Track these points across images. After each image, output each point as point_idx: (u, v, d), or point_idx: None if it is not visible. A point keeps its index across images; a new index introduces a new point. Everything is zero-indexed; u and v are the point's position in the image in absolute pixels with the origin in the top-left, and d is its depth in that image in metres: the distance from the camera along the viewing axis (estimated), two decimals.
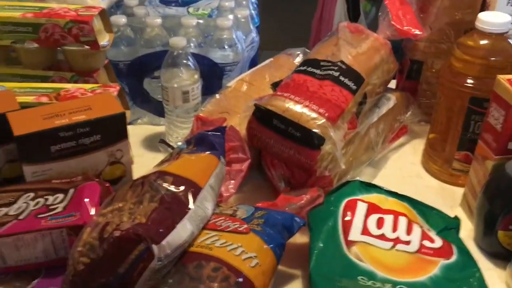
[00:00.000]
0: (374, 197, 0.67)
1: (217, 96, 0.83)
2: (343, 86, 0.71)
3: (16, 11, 0.76)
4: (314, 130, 0.66)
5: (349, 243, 0.61)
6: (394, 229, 0.62)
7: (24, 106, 0.67)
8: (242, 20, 0.96)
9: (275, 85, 0.83)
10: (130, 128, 0.67)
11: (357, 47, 0.77)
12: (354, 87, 0.72)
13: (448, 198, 0.77)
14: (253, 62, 1.01)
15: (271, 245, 0.55)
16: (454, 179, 0.79)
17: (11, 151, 0.64)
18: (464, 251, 0.61)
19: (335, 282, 0.57)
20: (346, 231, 0.62)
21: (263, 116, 0.70)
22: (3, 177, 0.67)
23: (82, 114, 0.63)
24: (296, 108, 0.68)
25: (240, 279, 0.50)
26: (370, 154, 0.81)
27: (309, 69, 0.74)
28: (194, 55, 0.83)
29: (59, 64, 0.83)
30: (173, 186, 0.54)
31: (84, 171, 0.64)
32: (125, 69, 0.90)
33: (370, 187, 0.69)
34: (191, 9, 0.99)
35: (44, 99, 0.71)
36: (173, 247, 0.49)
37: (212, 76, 0.90)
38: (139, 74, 0.90)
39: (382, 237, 0.61)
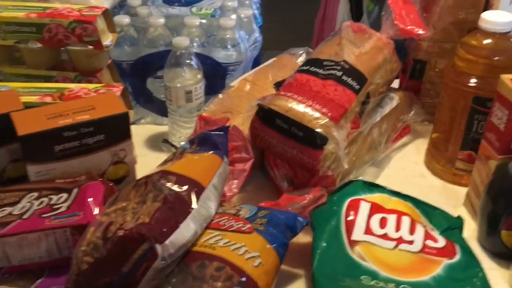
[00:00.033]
0: (377, 197, 0.67)
1: (220, 95, 0.83)
2: (346, 86, 0.71)
3: (20, 11, 0.77)
4: (317, 129, 0.66)
5: (352, 243, 0.61)
6: (397, 228, 0.62)
7: (28, 106, 0.67)
8: (245, 19, 0.96)
9: (278, 85, 0.83)
10: (133, 128, 0.67)
11: (360, 47, 0.77)
12: (357, 87, 0.72)
13: (451, 198, 0.77)
14: (256, 62, 1.01)
15: (274, 245, 0.55)
16: (457, 178, 0.79)
17: (15, 151, 0.64)
18: (467, 251, 0.61)
19: (338, 281, 0.57)
20: (349, 231, 0.62)
21: (266, 116, 0.70)
22: (7, 176, 0.67)
23: (85, 114, 0.63)
24: (299, 108, 0.68)
25: (243, 279, 0.50)
26: (373, 153, 0.81)
27: (312, 68, 0.74)
28: (197, 55, 0.83)
29: (62, 64, 0.84)
30: (176, 185, 0.54)
31: (88, 171, 0.64)
32: (128, 69, 0.90)
33: (373, 187, 0.69)
34: (194, 9, 0.99)
35: (47, 99, 0.71)
36: (177, 247, 0.50)
37: (215, 76, 0.90)
38: (142, 74, 0.91)
39: (385, 236, 0.61)
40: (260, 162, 0.76)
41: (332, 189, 0.68)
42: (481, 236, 0.68)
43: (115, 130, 0.65)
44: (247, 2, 1.04)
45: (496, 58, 0.72)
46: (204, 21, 0.92)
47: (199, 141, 0.64)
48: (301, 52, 0.93)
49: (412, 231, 0.62)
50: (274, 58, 0.94)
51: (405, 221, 0.63)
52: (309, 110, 0.68)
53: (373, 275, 0.57)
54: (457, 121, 0.76)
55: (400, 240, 0.61)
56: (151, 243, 0.47)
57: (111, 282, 0.48)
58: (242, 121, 0.74)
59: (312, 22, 2.24)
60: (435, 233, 0.63)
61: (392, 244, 0.61)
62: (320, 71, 0.73)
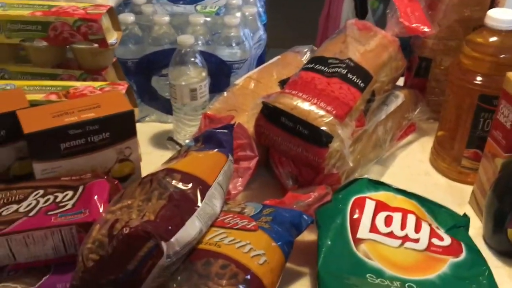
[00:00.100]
0: (382, 195, 0.67)
1: (225, 93, 0.83)
2: (351, 84, 0.71)
3: (25, 9, 0.77)
4: (322, 127, 0.66)
5: (358, 241, 0.60)
6: (403, 227, 0.62)
7: (34, 104, 0.68)
8: (250, 17, 0.96)
9: (282, 83, 0.83)
10: (138, 125, 0.67)
11: (365, 45, 0.77)
12: (362, 85, 0.72)
13: (457, 196, 0.76)
14: (261, 60, 1.01)
15: (279, 243, 0.55)
16: (463, 177, 0.79)
17: (21, 149, 0.65)
18: (473, 249, 0.61)
19: (343, 280, 0.56)
20: (354, 229, 0.62)
21: (271, 114, 0.70)
22: (13, 174, 0.67)
23: (91, 112, 0.64)
24: (304, 106, 0.68)
25: (248, 276, 0.50)
26: (378, 151, 0.81)
27: (317, 66, 0.74)
28: (202, 53, 0.83)
29: (68, 62, 0.84)
30: (182, 183, 0.54)
31: (93, 169, 0.64)
32: (133, 67, 0.90)
33: (378, 185, 0.69)
34: (198, 7, 0.99)
35: (53, 97, 0.71)
36: (182, 244, 0.50)
37: (220, 74, 0.90)
38: (147, 72, 0.91)
39: (390, 235, 0.61)
40: (265, 160, 0.76)
41: (337, 187, 0.68)
42: (486, 234, 0.68)
43: (121, 128, 0.66)
44: (251, 0, 1.04)
45: (502, 55, 0.71)
46: (208, 19, 0.92)
47: (204, 139, 0.64)
48: (305, 50, 0.93)
49: (417, 229, 0.62)
50: (279, 56, 0.94)
51: (411, 219, 0.63)
52: (314, 108, 0.67)
53: (379, 274, 0.57)
54: (463, 119, 0.76)
55: (405, 238, 0.61)
56: (157, 240, 0.47)
57: (117, 280, 0.48)
58: (247, 119, 0.74)
59: (316, 20, 2.24)
60: (441, 231, 0.63)
61: (397, 242, 0.60)
62: (325, 69, 0.73)
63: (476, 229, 0.69)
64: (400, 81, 0.89)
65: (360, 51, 0.75)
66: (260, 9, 1.05)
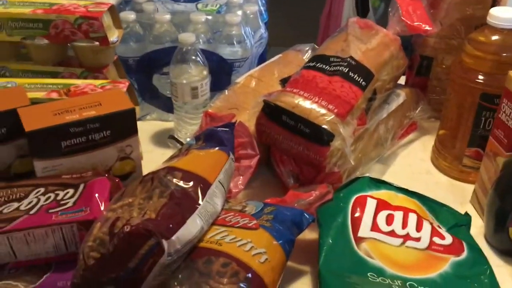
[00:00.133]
0: (383, 194, 0.67)
1: (226, 92, 0.83)
2: (352, 82, 0.71)
3: (26, 7, 0.77)
4: (324, 126, 0.66)
5: (359, 240, 0.60)
6: (404, 225, 0.62)
7: (35, 101, 0.67)
8: (251, 16, 0.96)
9: (284, 81, 0.83)
10: (139, 124, 0.67)
11: (367, 43, 0.77)
12: (364, 83, 0.72)
13: (458, 195, 0.76)
14: (262, 58, 1.00)
15: (281, 241, 0.55)
16: (464, 175, 0.79)
17: (22, 147, 0.64)
18: (474, 248, 0.61)
19: (345, 278, 0.56)
20: (356, 228, 0.62)
21: (272, 112, 0.70)
22: (14, 172, 0.67)
23: (92, 110, 0.63)
24: (306, 104, 0.68)
25: (250, 275, 0.50)
26: (379, 150, 0.80)
27: (319, 65, 0.73)
28: (203, 51, 0.83)
29: (69, 60, 0.84)
30: (183, 181, 0.54)
31: (94, 167, 0.64)
32: (134, 65, 0.90)
33: (380, 184, 0.69)
34: (200, 5, 0.99)
35: (54, 95, 0.71)
36: (183, 243, 0.50)
37: (221, 72, 0.90)
38: (148, 70, 0.91)
39: (391, 233, 0.61)
40: (266, 159, 0.76)
41: (338, 186, 0.68)
42: (488, 233, 0.68)
43: (122, 126, 0.65)
44: None
45: (504, 54, 0.71)
46: (210, 17, 0.92)
47: (205, 137, 0.64)
48: (307, 49, 0.93)
49: (419, 228, 0.62)
50: (280, 55, 0.93)
51: (412, 218, 0.63)
52: (315, 107, 0.67)
53: (380, 272, 0.57)
54: (464, 117, 0.76)
55: (407, 237, 0.61)
56: (158, 238, 0.47)
57: (118, 278, 0.48)
58: (248, 118, 0.73)
59: (317, 19, 2.24)
60: (442, 230, 0.63)
61: (398, 241, 0.60)
62: (327, 67, 0.73)
63: (478, 228, 0.69)
64: (402, 80, 0.89)
65: (361, 50, 0.75)
66: (261, 7, 1.04)
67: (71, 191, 0.59)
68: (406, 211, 0.64)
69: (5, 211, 0.56)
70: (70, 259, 0.53)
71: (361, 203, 0.65)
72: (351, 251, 0.59)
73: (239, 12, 0.94)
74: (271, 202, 0.63)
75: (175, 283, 0.49)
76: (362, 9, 2.08)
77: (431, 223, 0.63)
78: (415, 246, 0.60)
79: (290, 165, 0.72)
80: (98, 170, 0.64)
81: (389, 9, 0.82)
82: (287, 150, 0.71)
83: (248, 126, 0.71)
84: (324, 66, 0.73)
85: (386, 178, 0.75)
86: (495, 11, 0.71)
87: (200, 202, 0.54)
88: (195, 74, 0.80)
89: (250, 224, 0.56)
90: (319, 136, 0.66)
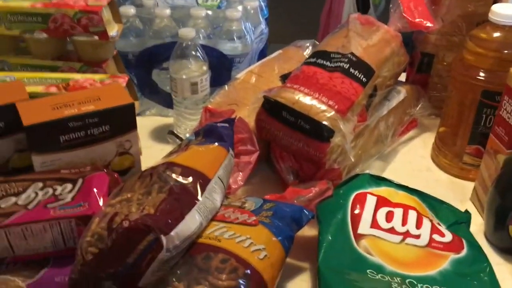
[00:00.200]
0: (383, 191, 0.66)
1: (226, 87, 0.82)
2: (353, 79, 0.71)
3: (26, 1, 0.76)
4: (324, 122, 0.66)
5: (358, 237, 0.60)
6: (404, 222, 0.62)
7: (33, 96, 0.67)
8: (251, 11, 0.96)
9: (284, 77, 0.82)
10: (138, 119, 0.67)
11: (368, 39, 0.77)
12: (364, 80, 0.72)
13: (458, 192, 0.76)
14: (262, 54, 1.00)
15: (280, 238, 0.55)
16: (464, 173, 0.79)
17: (21, 141, 0.64)
18: (474, 246, 0.61)
19: (344, 275, 0.56)
20: (355, 224, 0.61)
21: (272, 108, 0.69)
22: (12, 166, 0.67)
23: (91, 104, 0.63)
24: (306, 100, 0.67)
25: (248, 271, 0.50)
26: (379, 147, 0.80)
27: (319, 61, 0.73)
28: (203, 47, 0.82)
29: (68, 55, 0.83)
30: (182, 177, 0.54)
31: (93, 162, 0.64)
32: (134, 60, 0.90)
33: (380, 180, 0.68)
34: (200, 0, 0.98)
35: (53, 89, 0.71)
36: (182, 238, 0.49)
37: (221, 68, 0.90)
38: (147, 65, 0.90)
39: (391, 230, 0.61)
40: (265, 155, 0.75)
41: (338, 182, 0.68)
42: (488, 231, 0.68)
43: (121, 121, 0.65)
44: None
45: (506, 51, 0.71)
46: (210, 12, 0.91)
47: (204, 133, 0.64)
48: (307, 45, 0.93)
49: (418, 225, 0.62)
50: (280, 51, 0.93)
51: (412, 215, 0.63)
52: (316, 103, 0.67)
53: (379, 269, 0.57)
54: (465, 115, 0.76)
55: (406, 234, 0.60)
56: (157, 234, 0.47)
57: (116, 273, 0.48)
58: (247, 113, 0.73)
59: (318, 16, 2.23)
60: (442, 228, 0.63)
61: (398, 238, 0.60)
62: (327, 63, 0.72)
63: (478, 226, 0.69)
64: (402, 77, 0.88)
65: (362, 46, 0.75)
66: (262, 3, 1.04)
67: (69, 186, 0.58)
68: (406, 208, 0.63)
69: (2, 205, 0.56)
70: (68, 254, 0.53)
71: (361, 200, 0.64)
72: (350, 248, 0.59)
73: (240, 8, 0.93)
74: (271, 198, 0.63)
75: (174, 279, 0.49)
76: (362, 6, 2.08)
77: (431, 221, 0.63)
78: (414, 243, 0.60)
79: (290, 161, 0.72)
80: (97, 165, 0.63)
81: (390, 6, 0.82)
82: (287, 146, 0.71)
83: (248, 122, 0.70)
84: (324, 62, 0.73)
85: (386, 175, 0.75)
86: (496, 8, 0.70)
87: (199, 197, 0.53)
88: (195, 70, 0.80)
89: (249, 220, 0.56)
90: (319, 133, 0.66)
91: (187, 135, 0.75)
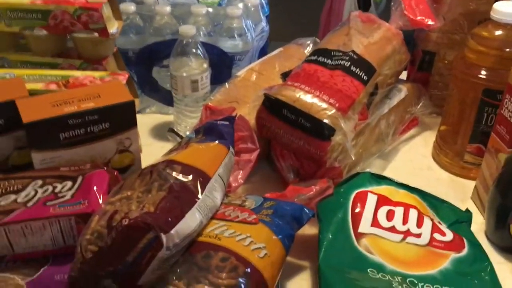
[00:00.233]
0: (384, 189, 0.66)
1: (226, 85, 0.82)
2: (354, 77, 0.71)
3: None
4: (325, 120, 0.65)
5: (359, 235, 0.60)
6: (405, 221, 0.61)
7: (33, 93, 0.67)
8: (252, 9, 0.95)
9: (284, 75, 0.82)
10: (138, 117, 0.67)
11: (369, 37, 0.76)
12: (366, 78, 0.71)
13: (459, 191, 0.76)
14: (263, 52, 1.00)
15: (280, 236, 0.54)
16: (465, 172, 0.78)
17: (20, 138, 0.64)
18: (475, 245, 0.61)
19: (344, 274, 0.56)
20: (356, 223, 0.61)
21: (273, 106, 0.69)
22: (12, 164, 0.66)
23: (91, 101, 0.63)
24: (307, 98, 0.67)
25: (249, 270, 0.49)
26: (380, 145, 0.80)
27: (320, 59, 0.73)
28: (204, 44, 0.82)
29: (68, 52, 0.83)
30: (182, 175, 0.54)
31: (93, 159, 0.64)
32: (134, 58, 0.90)
33: (381, 179, 0.68)
34: None
35: (53, 87, 0.71)
36: (182, 236, 0.49)
37: (222, 65, 0.89)
38: (148, 62, 0.90)
39: (392, 229, 0.61)
40: (266, 153, 0.75)
41: (338, 181, 0.68)
42: (489, 230, 0.67)
43: (121, 118, 0.65)
44: None
45: (508, 49, 0.70)
46: (210, 9, 0.91)
47: (205, 131, 0.64)
48: (308, 42, 0.92)
49: (419, 224, 0.61)
50: (281, 48, 0.93)
51: (413, 214, 0.62)
52: (316, 101, 0.67)
53: (380, 268, 0.57)
54: (466, 113, 0.75)
55: (407, 233, 0.60)
56: (156, 232, 0.47)
57: (116, 271, 0.47)
58: (248, 111, 0.73)
59: (318, 14, 2.23)
60: (443, 227, 0.62)
61: (399, 237, 0.60)
62: (328, 61, 0.72)
63: (478, 225, 0.68)
64: (403, 75, 0.88)
65: (363, 44, 0.75)
66: (263, 1, 1.04)
67: (69, 183, 0.58)
68: (406, 207, 0.63)
69: (2, 203, 0.55)
70: (67, 252, 0.53)
71: (361, 199, 0.64)
72: (351, 246, 0.59)
73: (240, 5, 0.93)
74: (271, 196, 0.63)
75: (174, 278, 0.48)
76: (363, 4, 2.07)
77: (431, 219, 0.63)
78: (415, 242, 0.60)
79: (290, 159, 0.72)
80: (97, 162, 0.63)
81: (391, 4, 0.82)
82: (288, 145, 0.70)
83: (248, 119, 0.70)
84: (325, 60, 0.72)
85: (386, 173, 0.75)
86: (498, 6, 0.70)
87: (199, 196, 0.53)
88: (195, 67, 0.80)
89: (249, 219, 0.55)
90: (320, 131, 0.66)
91: (187, 132, 0.75)
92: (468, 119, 0.75)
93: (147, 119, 0.91)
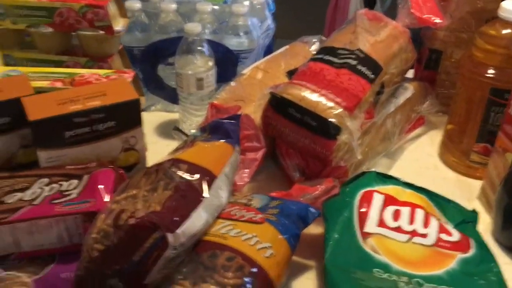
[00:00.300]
0: (390, 189, 0.66)
1: (232, 83, 0.82)
2: (360, 75, 0.70)
3: None
4: (331, 119, 0.65)
5: (365, 235, 0.60)
6: (411, 221, 0.61)
7: (39, 91, 0.67)
8: (258, 6, 0.95)
9: (290, 73, 0.81)
10: (143, 115, 0.67)
11: (376, 35, 0.76)
12: (372, 76, 0.71)
13: (465, 191, 0.75)
14: (269, 50, 0.99)
15: (286, 236, 0.54)
16: (471, 171, 0.78)
17: (26, 136, 0.64)
18: (482, 245, 0.60)
19: (350, 273, 0.56)
20: (362, 223, 0.61)
21: (278, 105, 0.69)
22: (17, 162, 0.66)
23: (96, 100, 0.63)
24: (313, 97, 0.67)
25: (255, 269, 0.49)
26: (386, 144, 0.80)
27: (326, 57, 0.72)
28: (209, 42, 0.82)
29: (73, 49, 0.83)
30: (188, 174, 0.54)
31: (98, 158, 0.64)
32: (139, 55, 0.89)
33: (387, 179, 0.68)
34: None
35: (58, 84, 0.71)
36: (188, 236, 0.49)
37: (227, 63, 0.89)
38: (153, 60, 0.90)
39: (398, 229, 0.60)
40: (271, 151, 0.75)
41: (344, 180, 0.67)
42: (496, 230, 0.67)
43: (126, 116, 0.65)
44: None
45: None
46: (216, 7, 0.91)
47: (210, 129, 0.64)
48: (314, 40, 0.92)
49: (426, 224, 0.61)
50: (287, 46, 0.92)
51: (419, 213, 0.62)
52: (322, 99, 0.66)
53: (386, 268, 0.56)
54: (473, 112, 0.75)
55: (413, 233, 0.60)
56: (163, 232, 0.47)
57: (122, 270, 0.48)
58: (254, 110, 0.73)
59: (324, 12, 2.22)
60: (449, 227, 0.62)
61: (405, 237, 0.60)
62: (335, 59, 0.72)
63: (485, 225, 0.68)
64: (409, 74, 0.88)
65: (370, 42, 0.74)
66: None
67: (75, 182, 0.58)
68: (413, 207, 0.63)
69: (9, 201, 0.55)
70: (73, 251, 0.53)
71: (367, 198, 0.64)
72: (357, 246, 0.59)
73: (246, 3, 0.93)
74: (277, 195, 0.63)
75: (180, 277, 0.48)
76: (368, 1, 2.06)
77: (438, 219, 0.62)
78: (421, 242, 0.59)
79: (296, 158, 0.72)
80: (103, 161, 0.63)
81: (398, 1, 0.81)
82: (293, 143, 0.70)
83: (254, 118, 0.70)
84: (332, 58, 0.72)
85: (392, 172, 0.74)
86: (506, 4, 0.70)
87: (205, 195, 0.53)
88: (201, 65, 0.79)
89: (255, 218, 0.55)
90: (326, 130, 0.65)
91: (192, 131, 0.75)
92: (475, 118, 0.75)
93: (152, 117, 0.91)
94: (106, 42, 0.79)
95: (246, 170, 0.69)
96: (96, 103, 0.62)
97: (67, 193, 0.57)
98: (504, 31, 0.70)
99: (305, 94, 0.67)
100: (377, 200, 0.64)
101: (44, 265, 0.54)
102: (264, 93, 0.70)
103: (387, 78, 0.74)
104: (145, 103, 0.89)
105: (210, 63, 0.80)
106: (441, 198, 0.67)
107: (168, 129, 0.86)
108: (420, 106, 0.84)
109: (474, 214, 0.66)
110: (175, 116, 0.89)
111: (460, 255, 0.59)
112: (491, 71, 0.71)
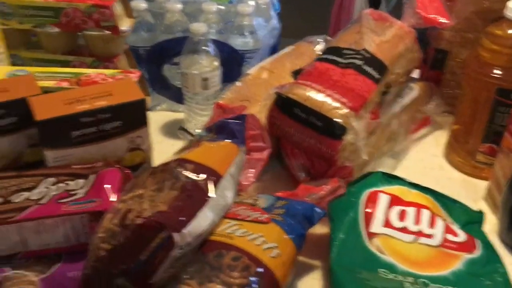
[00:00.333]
0: (396, 189, 0.66)
1: (237, 83, 0.82)
2: (366, 75, 0.70)
3: None
4: (336, 119, 0.65)
5: (371, 235, 0.60)
6: (417, 222, 0.61)
7: (46, 90, 0.67)
8: (263, 6, 0.95)
9: (296, 73, 0.81)
10: (149, 114, 0.67)
11: (381, 35, 0.76)
12: (378, 76, 0.71)
13: (471, 191, 0.75)
14: (274, 50, 0.99)
15: (292, 236, 0.54)
16: (477, 171, 0.78)
17: (33, 136, 0.64)
18: (488, 246, 0.60)
19: (356, 273, 0.56)
20: (368, 223, 0.61)
21: (284, 105, 0.69)
22: (24, 161, 0.67)
23: (103, 99, 0.63)
24: (318, 97, 0.67)
25: (261, 269, 0.49)
26: (391, 145, 0.79)
27: (332, 57, 0.72)
28: (214, 42, 0.82)
29: (79, 49, 0.83)
30: (194, 174, 0.54)
31: (105, 157, 0.64)
32: (145, 55, 0.90)
33: (393, 179, 0.68)
34: None
35: (65, 84, 0.71)
36: (194, 236, 0.49)
37: (232, 63, 0.89)
38: (159, 60, 0.90)
39: (404, 229, 0.60)
40: (276, 151, 0.75)
41: (349, 180, 0.67)
42: (502, 231, 0.67)
43: (132, 116, 0.65)
44: None
45: None
46: (221, 7, 0.91)
47: (216, 129, 0.64)
48: (319, 40, 0.92)
49: (432, 224, 0.61)
50: (292, 46, 0.92)
51: (425, 214, 0.62)
52: (328, 100, 0.66)
53: (391, 269, 0.56)
54: (479, 112, 0.75)
55: (419, 234, 0.60)
56: (169, 231, 0.47)
57: (128, 270, 0.48)
58: (259, 110, 0.73)
59: (329, 11, 2.22)
60: (455, 227, 0.62)
61: (411, 237, 0.60)
62: (340, 59, 0.72)
63: (491, 226, 0.68)
64: (415, 74, 0.87)
65: (375, 42, 0.74)
66: None
67: (81, 181, 0.58)
68: (419, 207, 0.63)
69: (16, 200, 0.56)
70: (80, 250, 0.53)
71: (373, 198, 0.64)
72: (362, 246, 0.59)
73: (251, 3, 0.92)
74: (282, 195, 0.63)
75: (186, 276, 0.48)
76: (373, 1, 2.06)
77: (444, 220, 0.62)
78: (427, 243, 0.59)
79: (301, 158, 0.72)
80: (109, 160, 0.63)
81: (404, 1, 0.81)
82: (299, 143, 0.70)
83: (259, 118, 0.70)
84: (337, 58, 0.72)
85: (398, 173, 0.74)
86: None
87: (211, 195, 0.53)
88: (206, 65, 0.79)
89: (261, 218, 0.55)
90: (331, 130, 0.65)
91: (198, 130, 0.75)
92: (480, 119, 0.75)
93: (158, 117, 0.91)
94: (112, 42, 0.80)
95: (252, 170, 0.69)
96: (102, 103, 0.63)
97: (73, 192, 0.57)
98: (510, 31, 0.70)
99: (310, 94, 0.67)
100: (383, 200, 0.64)
101: (51, 264, 0.55)
102: (270, 93, 0.70)
103: (392, 78, 0.74)
104: (151, 103, 0.89)
105: (216, 63, 0.80)
106: (447, 199, 0.66)
107: (174, 129, 0.86)
108: (425, 107, 0.84)
109: (480, 215, 0.65)
110: (180, 115, 0.90)
111: (466, 256, 0.58)
112: (497, 71, 0.71)
